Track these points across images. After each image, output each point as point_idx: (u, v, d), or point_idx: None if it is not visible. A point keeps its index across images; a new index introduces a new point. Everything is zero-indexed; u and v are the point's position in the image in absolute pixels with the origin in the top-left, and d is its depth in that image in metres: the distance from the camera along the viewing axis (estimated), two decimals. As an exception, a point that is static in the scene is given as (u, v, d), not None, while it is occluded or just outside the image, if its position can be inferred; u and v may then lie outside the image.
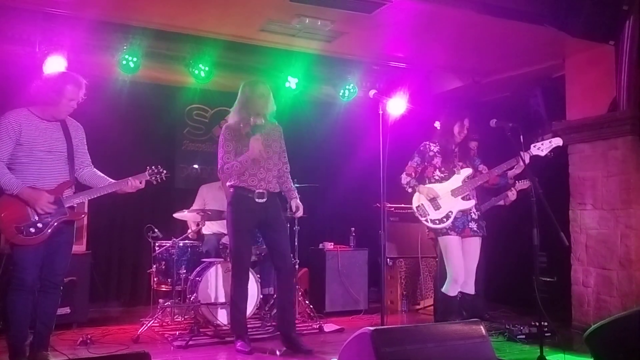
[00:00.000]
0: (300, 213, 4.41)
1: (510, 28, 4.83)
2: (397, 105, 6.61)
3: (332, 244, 6.15)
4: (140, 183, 3.68)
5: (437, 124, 6.71)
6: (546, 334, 4.47)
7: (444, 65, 6.35)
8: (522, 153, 4.03)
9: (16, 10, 4.92)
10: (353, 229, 6.39)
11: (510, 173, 4.33)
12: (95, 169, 3.81)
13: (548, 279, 6.09)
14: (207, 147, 6.92)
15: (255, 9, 4.64)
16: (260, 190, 4.18)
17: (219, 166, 4.24)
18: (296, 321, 5.28)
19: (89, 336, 4.47)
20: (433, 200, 4.25)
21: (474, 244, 4.30)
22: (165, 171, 3.83)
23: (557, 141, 4.15)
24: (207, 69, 5.73)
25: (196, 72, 5.72)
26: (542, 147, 4.13)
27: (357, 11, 4.51)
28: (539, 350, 3.67)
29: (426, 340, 2.76)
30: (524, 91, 6.07)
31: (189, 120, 6.84)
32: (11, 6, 4.86)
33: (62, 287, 3.65)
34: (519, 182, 5.24)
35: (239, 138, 4.20)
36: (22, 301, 3.40)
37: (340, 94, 6.48)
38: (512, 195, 5.25)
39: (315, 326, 5.12)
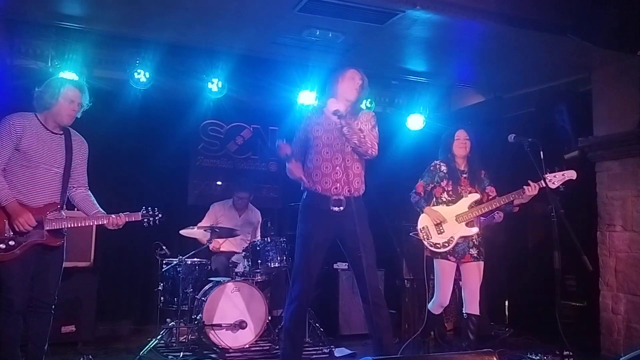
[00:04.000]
0: None
1: (534, 40, 4.62)
2: (416, 121, 6.51)
3: (346, 264, 5.93)
4: (118, 225, 3.51)
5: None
6: (569, 364, 4.19)
7: (465, 80, 6.15)
8: (530, 183, 3.96)
9: (30, 25, 4.94)
10: (369, 248, 6.15)
11: (517, 201, 4.15)
12: (89, 193, 3.64)
13: (577, 304, 5.75)
14: (222, 163, 6.82)
15: (264, 20, 4.53)
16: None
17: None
18: (305, 345, 5.11)
19: (90, 356, 4.34)
20: (438, 225, 4.20)
21: (475, 268, 4.23)
22: (160, 215, 3.67)
23: (571, 174, 3.97)
24: (220, 84, 5.64)
25: (209, 86, 5.64)
26: (555, 180, 3.94)
27: (369, 22, 4.35)
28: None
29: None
30: (549, 106, 5.81)
31: (204, 135, 6.76)
32: (25, 21, 4.88)
33: (53, 307, 3.49)
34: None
35: None
36: (12, 322, 3.25)
37: (357, 109, 6.31)
38: (498, 217, 4.98)
39: (325, 350, 4.91)
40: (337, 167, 3.51)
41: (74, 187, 3.57)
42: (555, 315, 6.08)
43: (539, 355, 4.55)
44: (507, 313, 6.72)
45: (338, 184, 3.50)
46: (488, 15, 4.34)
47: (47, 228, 3.33)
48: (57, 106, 3.40)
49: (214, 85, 5.63)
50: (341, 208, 3.48)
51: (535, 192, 3.98)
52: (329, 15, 4.28)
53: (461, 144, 4.26)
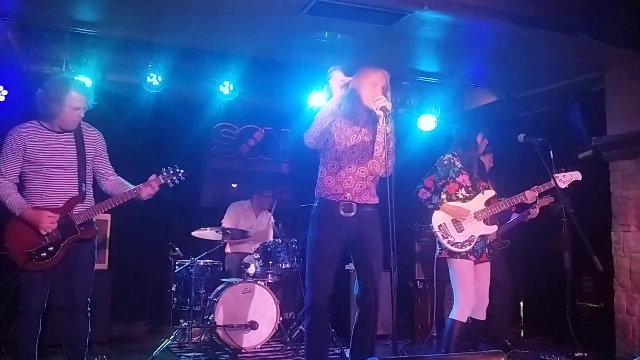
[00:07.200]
0: None
1: (545, 39, 4.58)
2: (428, 122, 6.49)
3: (359, 265, 5.93)
4: (153, 189, 3.41)
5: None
6: (583, 366, 4.13)
7: (477, 80, 6.11)
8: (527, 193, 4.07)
9: (45, 31, 5.02)
10: (380, 249, 6.14)
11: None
12: (119, 177, 3.56)
13: (594, 306, 5.68)
14: (235, 165, 6.86)
15: (274, 23, 4.55)
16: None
17: None
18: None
19: (104, 357, 4.40)
20: (456, 222, 3.98)
21: (486, 269, 4.11)
22: (182, 170, 3.53)
23: (577, 175, 4.04)
24: (232, 86, 5.68)
25: (221, 89, 5.68)
26: (564, 180, 4.00)
27: (377, 23, 4.35)
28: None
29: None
30: (562, 106, 5.75)
31: (217, 138, 6.81)
32: (40, 27, 4.96)
33: (89, 309, 3.45)
34: (540, 198, 4.89)
35: None
36: (29, 325, 3.26)
37: (368, 110, 6.30)
38: (534, 212, 4.93)
39: (336, 351, 4.91)
40: (350, 177, 3.39)
41: (102, 179, 3.53)
42: (572, 317, 6.05)
43: (552, 356, 4.49)
44: (522, 314, 6.67)
45: (348, 194, 3.38)
46: (497, 15, 4.31)
47: (78, 223, 3.30)
48: (63, 114, 3.32)
49: (226, 88, 5.67)
50: (351, 214, 3.37)
51: (535, 195, 4.10)
52: (337, 17, 4.28)
53: (485, 142, 4.25)
